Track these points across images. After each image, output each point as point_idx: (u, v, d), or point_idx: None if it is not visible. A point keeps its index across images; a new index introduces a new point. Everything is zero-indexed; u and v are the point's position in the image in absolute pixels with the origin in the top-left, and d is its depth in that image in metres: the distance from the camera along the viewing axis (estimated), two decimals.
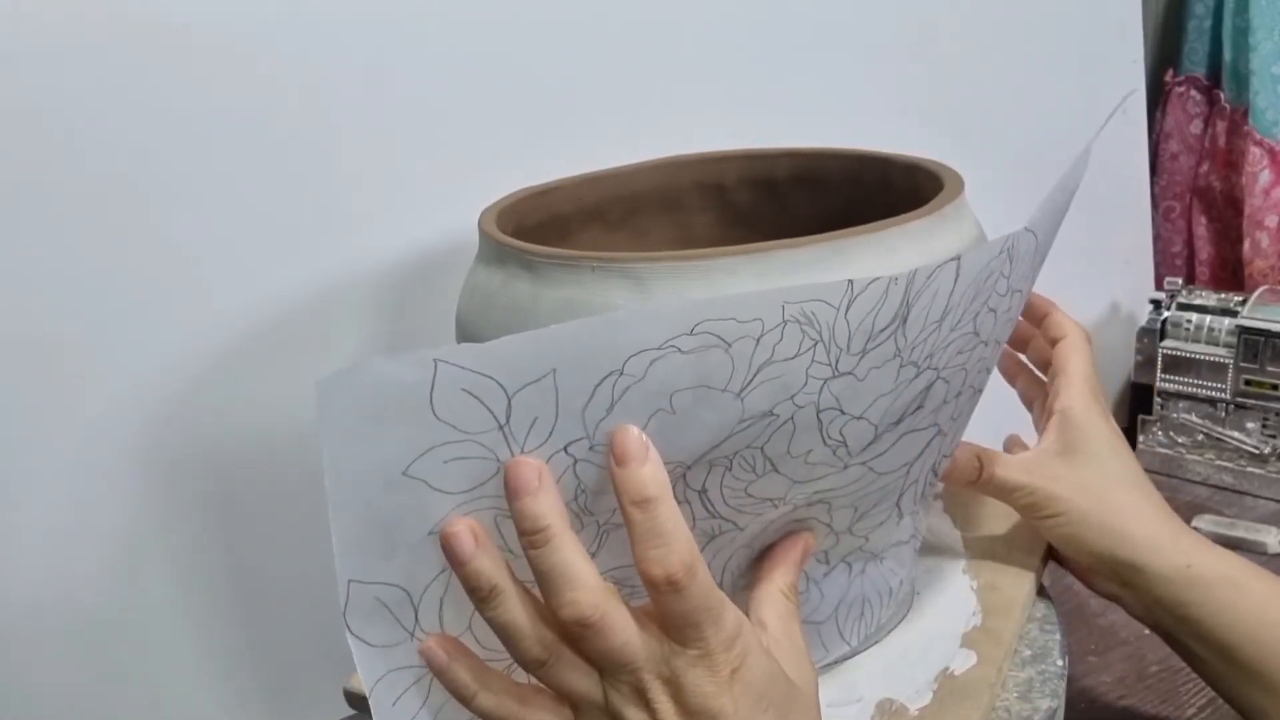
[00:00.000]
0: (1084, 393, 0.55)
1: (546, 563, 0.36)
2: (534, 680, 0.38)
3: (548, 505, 0.36)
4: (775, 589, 0.44)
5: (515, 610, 0.37)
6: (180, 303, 0.58)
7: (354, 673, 0.38)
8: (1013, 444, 0.62)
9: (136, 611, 0.60)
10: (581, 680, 0.37)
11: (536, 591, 0.37)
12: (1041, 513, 0.54)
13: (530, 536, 0.36)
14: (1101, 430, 0.55)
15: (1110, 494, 0.53)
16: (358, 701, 0.51)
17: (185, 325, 0.58)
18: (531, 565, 0.36)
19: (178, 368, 0.58)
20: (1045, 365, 0.60)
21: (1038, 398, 0.60)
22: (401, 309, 0.64)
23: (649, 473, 0.36)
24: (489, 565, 0.36)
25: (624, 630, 0.36)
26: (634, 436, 0.36)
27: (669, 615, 0.36)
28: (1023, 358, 0.62)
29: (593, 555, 0.40)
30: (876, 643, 0.52)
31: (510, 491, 0.36)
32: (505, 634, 0.37)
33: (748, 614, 0.44)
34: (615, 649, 0.36)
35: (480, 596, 0.37)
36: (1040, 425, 0.58)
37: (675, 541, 0.36)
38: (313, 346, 0.62)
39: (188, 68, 0.56)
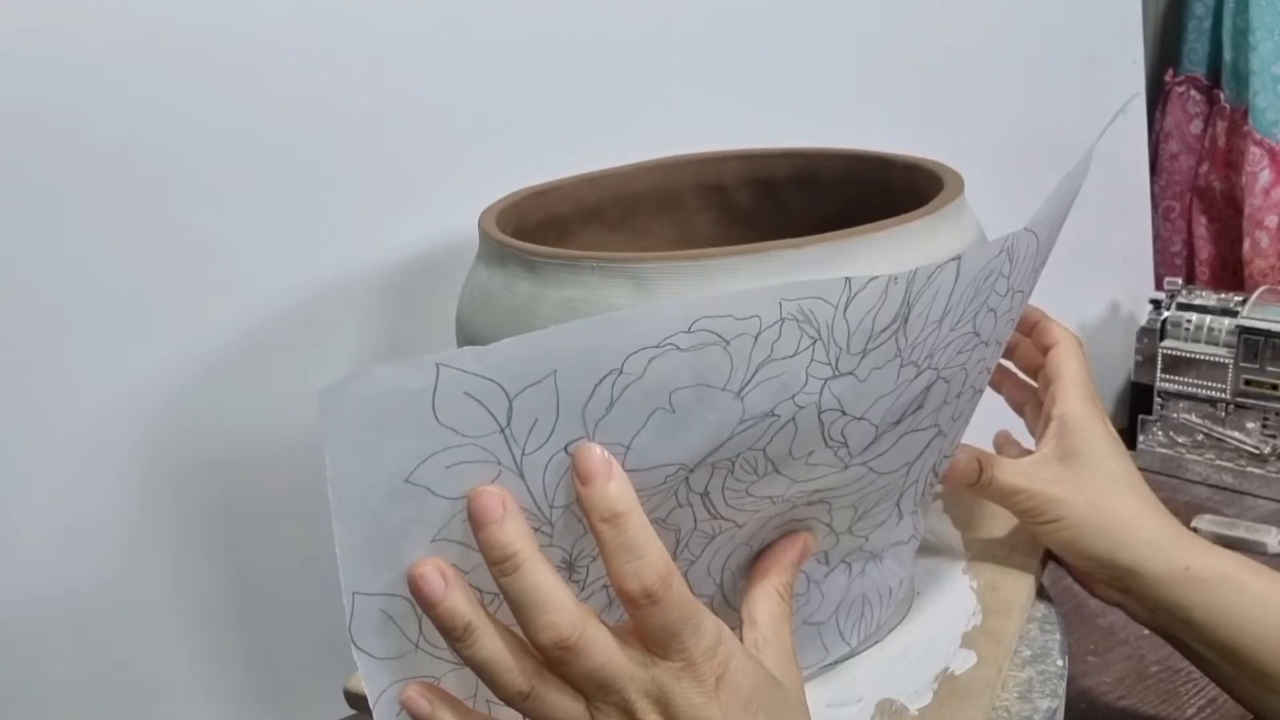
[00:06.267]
0: (1081, 397, 0.55)
1: (519, 589, 0.35)
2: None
3: (514, 532, 0.35)
4: (770, 587, 0.44)
5: (493, 645, 0.36)
6: (179, 304, 0.58)
7: (354, 673, 0.38)
8: (1003, 441, 0.62)
9: (137, 612, 0.60)
10: (568, 707, 0.37)
11: (513, 630, 0.37)
12: (1040, 517, 0.54)
13: (499, 565, 0.35)
14: (1100, 435, 0.55)
15: (1109, 499, 0.53)
16: (358, 701, 0.51)
17: (184, 326, 0.58)
18: (504, 594, 0.36)
19: (177, 369, 0.58)
20: (1033, 371, 0.60)
21: (1028, 402, 0.60)
22: (402, 309, 0.64)
23: (615, 489, 0.36)
24: (461, 603, 0.36)
25: (605, 649, 0.36)
26: (596, 454, 0.36)
27: (648, 629, 0.36)
28: (1009, 364, 0.62)
29: (594, 559, 0.40)
30: (876, 643, 0.52)
31: (474, 522, 0.36)
32: (485, 670, 0.36)
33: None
34: (598, 669, 0.36)
35: (455, 636, 0.36)
36: (1037, 430, 0.58)
37: (648, 554, 0.36)
38: (313, 347, 0.62)
39: (190, 70, 0.56)
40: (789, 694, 0.40)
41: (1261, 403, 0.91)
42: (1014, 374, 0.62)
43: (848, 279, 0.36)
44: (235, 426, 0.61)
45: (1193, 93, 1.11)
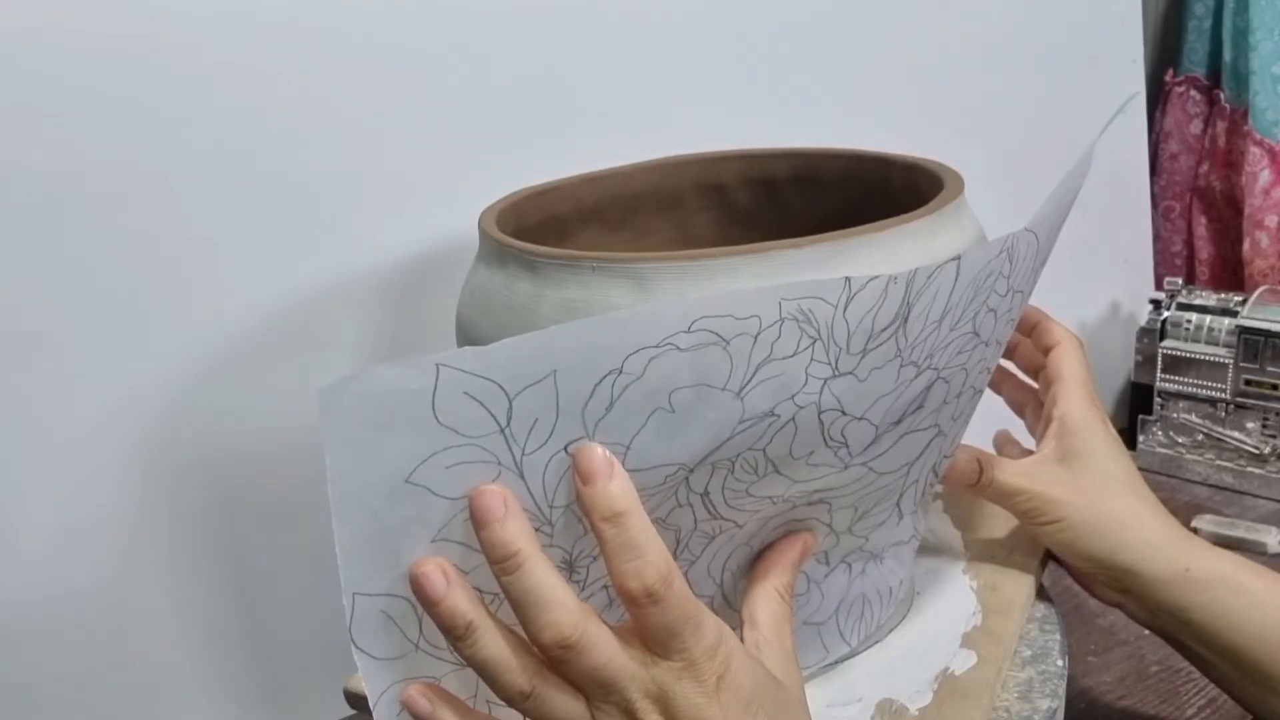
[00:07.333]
0: (1082, 398, 0.55)
1: (520, 587, 0.35)
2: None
3: (516, 530, 0.35)
4: (770, 587, 0.44)
5: (494, 644, 0.36)
6: (179, 304, 0.58)
7: (354, 673, 0.38)
8: (1003, 441, 0.62)
9: (137, 611, 0.60)
10: (569, 707, 0.37)
11: (514, 629, 0.37)
12: (1040, 518, 0.54)
13: (501, 564, 0.35)
14: (1101, 436, 0.55)
15: (1109, 500, 0.53)
16: (358, 701, 0.51)
17: (185, 326, 0.58)
18: (506, 593, 0.36)
19: (177, 369, 0.58)
20: (1033, 372, 0.60)
21: (1029, 403, 0.60)
22: (402, 309, 0.64)
23: (616, 488, 0.36)
24: (463, 602, 0.36)
25: (606, 648, 0.36)
26: (598, 454, 0.36)
27: (649, 628, 0.36)
28: (1010, 365, 0.62)
29: (594, 559, 0.40)
30: (876, 643, 0.52)
31: (476, 520, 0.36)
32: (486, 670, 0.36)
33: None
34: (599, 668, 0.36)
35: (457, 635, 0.36)
36: (1037, 431, 0.58)
37: (649, 553, 0.36)
38: (313, 347, 0.62)
39: (190, 70, 0.56)
40: (789, 694, 0.40)
41: (1261, 403, 0.91)
42: (1014, 374, 0.62)
43: (848, 279, 0.36)
44: (235, 426, 0.61)
45: (1193, 93, 1.11)
